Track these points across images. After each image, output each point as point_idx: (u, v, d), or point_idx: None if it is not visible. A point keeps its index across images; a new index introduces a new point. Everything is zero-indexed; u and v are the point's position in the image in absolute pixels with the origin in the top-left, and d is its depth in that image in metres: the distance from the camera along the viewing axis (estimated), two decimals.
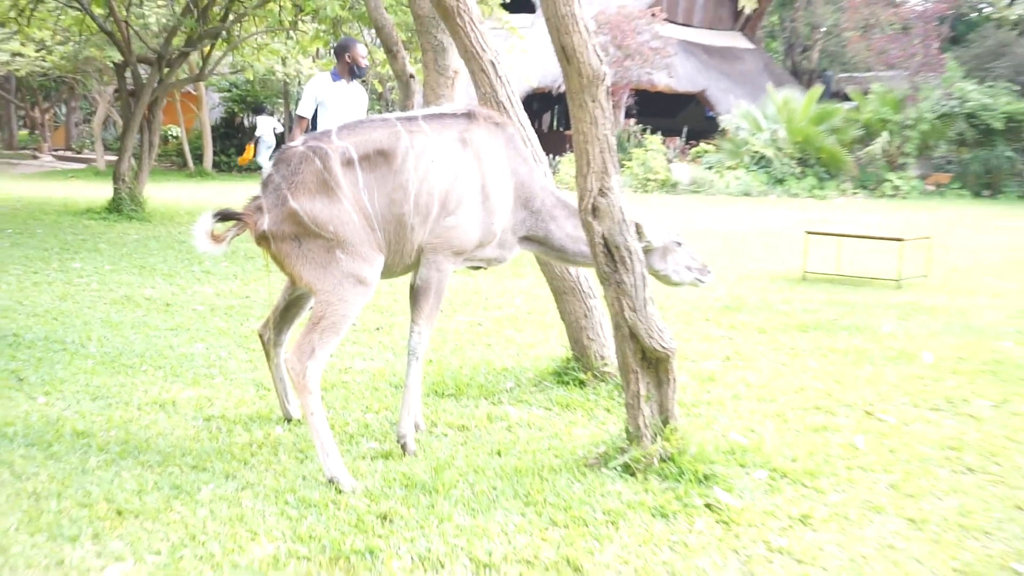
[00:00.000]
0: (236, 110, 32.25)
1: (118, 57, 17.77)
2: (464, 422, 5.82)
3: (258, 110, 31.43)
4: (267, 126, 29.80)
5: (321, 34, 17.59)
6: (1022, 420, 6.28)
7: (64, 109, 38.94)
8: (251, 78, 27.74)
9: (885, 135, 28.49)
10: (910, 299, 10.77)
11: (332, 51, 9.23)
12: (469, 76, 6.46)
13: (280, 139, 30.24)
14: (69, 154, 36.27)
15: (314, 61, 22.86)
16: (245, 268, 11.15)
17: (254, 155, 29.91)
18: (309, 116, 9.07)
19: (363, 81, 26.85)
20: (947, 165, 29.00)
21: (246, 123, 33.53)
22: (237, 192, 10.28)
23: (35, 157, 34.66)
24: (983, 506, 4.83)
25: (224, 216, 4.92)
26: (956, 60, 30.43)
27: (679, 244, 5.51)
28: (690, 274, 5.53)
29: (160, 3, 19.99)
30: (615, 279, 4.92)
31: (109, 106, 30.63)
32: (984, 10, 32.77)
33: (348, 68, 9.03)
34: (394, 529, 4.22)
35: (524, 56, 21.52)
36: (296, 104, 9.35)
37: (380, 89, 25.94)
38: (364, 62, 9.11)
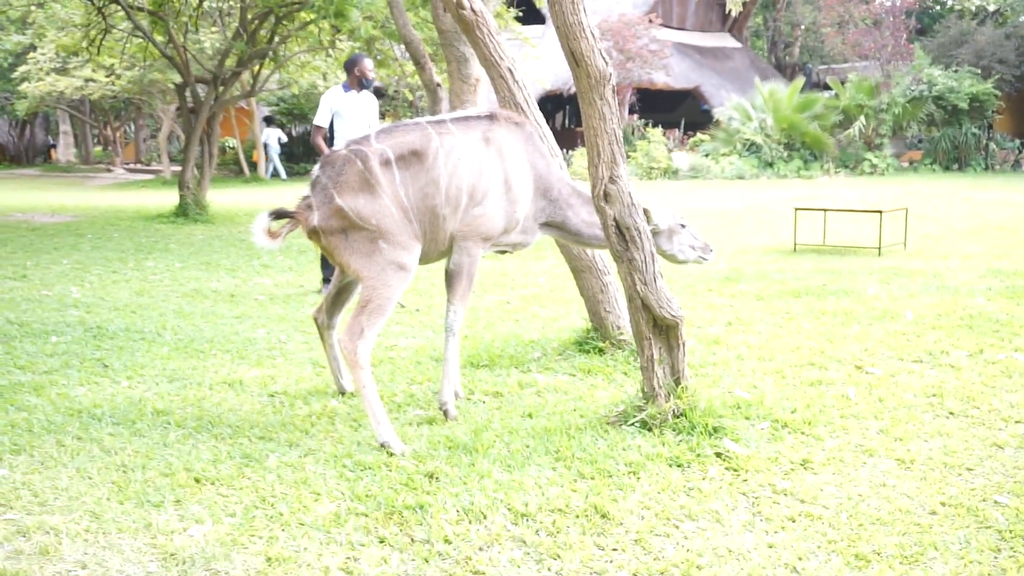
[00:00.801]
0: (284, 122, 32.30)
1: (178, 79, 17.86)
2: (498, 389, 5.82)
3: (268, 120, 31.69)
4: (273, 135, 30.10)
5: (356, 51, 17.56)
6: (997, 368, 6.27)
7: (133, 127, 39.22)
8: (296, 92, 27.78)
9: (862, 119, 28.48)
10: (890, 264, 10.76)
11: (343, 66, 9.24)
12: (489, 82, 6.45)
13: (284, 147, 30.55)
14: (139, 167, 36.54)
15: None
16: (299, 261, 11.20)
17: (267, 159, 30.27)
18: (326, 125, 9.10)
19: (381, 92, 26.97)
20: (919, 144, 28.94)
21: (294, 133, 33.67)
22: (288, 194, 10.29)
23: (109, 170, 34.89)
24: (964, 446, 4.82)
25: (278, 215, 4.96)
26: (923, 49, 30.40)
27: (683, 226, 5.51)
28: (694, 253, 5.53)
29: (213, 29, 20.06)
30: (627, 256, 4.92)
31: (172, 122, 30.81)
32: (947, 3, 32.57)
33: (357, 80, 9.04)
34: (440, 486, 4.22)
35: (537, 63, 21.49)
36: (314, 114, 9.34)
37: (411, 97, 25.94)
38: (371, 75, 9.11)
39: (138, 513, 3.97)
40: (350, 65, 9.19)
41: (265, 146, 30.80)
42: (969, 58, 30.46)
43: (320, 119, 9.11)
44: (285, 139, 31.20)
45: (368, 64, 9.15)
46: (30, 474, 4.41)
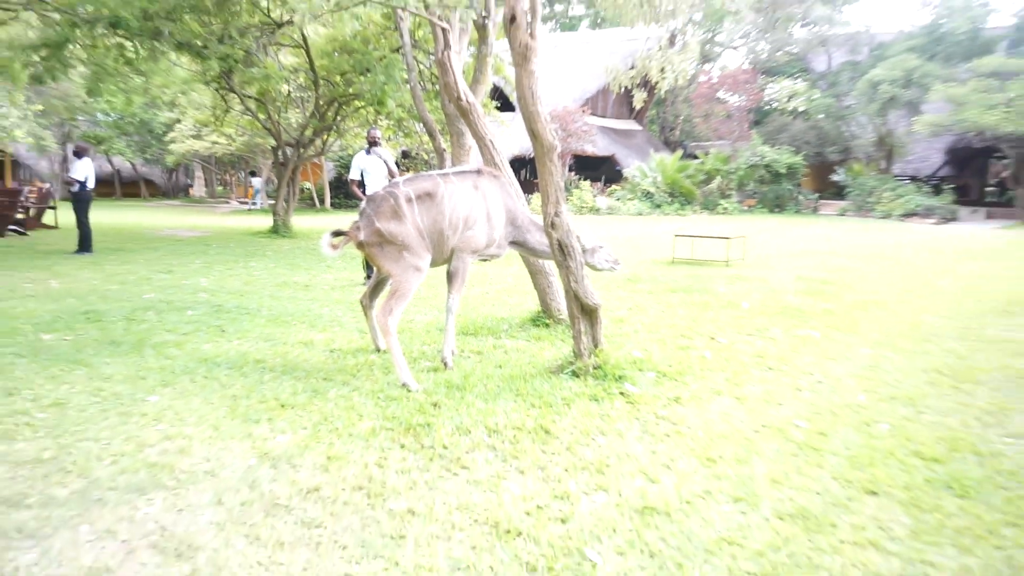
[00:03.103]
0: (342, 172, 32.02)
1: (273, 143, 17.73)
2: (479, 349, 5.81)
3: (253, 174, 31.82)
4: (258, 182, 30.16)
5: (391, 126, 17.51)
6: (799, 340, 6.32)
7: (243, 174, 38.71)
8: (351, 153, 27.59)
9: (718, 178, 28.57)
10: (734, 273, 10.80)
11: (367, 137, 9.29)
12: (478, 149, 6.42)
13: (265, 188, 30.38)
14: (246, 200, 36.11)
15: (388, 141, 22.74)
16: (350, 264, 11.14)
17: (251, 193, 30.32)
18: (357, 177, 9.11)
19: (406, 154, 26.77)
20: (754, 194, 29.14)
21: (348, 178, 33.42)
22: (344, 220, 10.14)
23: (227, 203, 34.47)
24: (778, 389, 4.87)
25: (337, 233, 4.95)
26: (758, 134, 30.60)
27: (601, 247, 5.50)
28: (608, 264, 5.52)
29: (296, 111, 19.86)
30: (566, 264, 4.94)
31: (269, 171, 30.54)
32: (773, 105, 32.86)
33: (369, 144, 9.07)
34: (441, 411, 4.22)
35: (509, 136, 21.44)
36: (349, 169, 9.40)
37: (426, 157, 25.80)
38: (377, 139, 9.12)
39: (244, 427, 3.97)
40: (368, 136, 9.24)
41: (256, 190, 30.86)
42: (787, 141, 30.71)
43: (352, 174, 9.14)
44: (265, 186, 30.96)
45: (375, 133, 9.17)
46: (174, 400, 4.39)
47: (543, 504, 3.15)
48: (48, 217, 17.03)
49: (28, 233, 15.25)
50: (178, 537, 2.84)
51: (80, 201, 11.79)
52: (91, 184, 11.90)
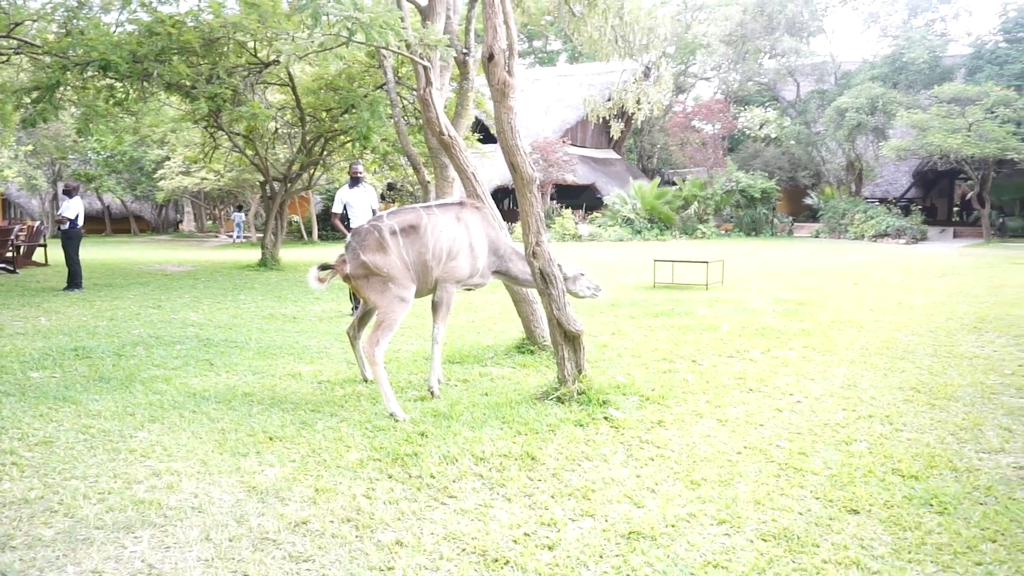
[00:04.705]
0: (329, 205, 32.03)
1: (261, 178, 17.75)
2: (465, 377, 5.78)
3: (239, 208, 32.07)
4: (240, 217, 30.31)
5: (376, 159, 17.57)
6: (778, 361, 6.33)
7: (230, 208, 38.63)
8: (338, 187, 27.62)
9: (695, 203, 28.83)
10: (713, 296, 10.84)
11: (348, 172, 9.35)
12: (460, 181, 6.43)
13: (253, 222, 30.51)
14: (230, 235, 36.00)
15: (373, 174, 22.77)
16: (338, 296, 11.08)
17: (234, 228, 31.19)
18: (340, 211, 9.12)
19: (392, 186, 26.84)
20: (731, 218, 29.44)
21: (336, 210, 33.44)
22: (332, 252, 10.06)
23: (216, 236, 34.33)
24: (758, 410, 4.85)
25: (324, 267, 4.94)
26: (732, 161, 31.03)
27: (582, 274, 5.49)
28: (590, 291, 5.51)
29: (284, 146, 19.92)
30: (548, 292, 4.92)
31: (257, 205, 30.53)
32: (747, 133, 33.37)
33: (352, 179, 9.11)
34: (428, 440, 4.17)
35: (491, 168, 21.55)
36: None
37: (411, 190, 25.85)
38: (360, 175, 9.16)
39: (232, 460, 3.90)
40: (350, 171, 9.25)
41: (238, 223, 30.92)
42: (760, 166, 31.21)
43: (336, 208, 9.16)
44: (245, 220, 31.13)
45: (357, 167, 9.20)
46: (162, 435, 4.31)
47: (530, 531, 3.10)
48: (38, 254, 16.86)
49: (18, 271, 15.08)
50: (166, 575, 2.77)
51: (70, 238, 11.70)
52: (80, 222, 11.83)
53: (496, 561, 2.86)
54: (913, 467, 3.79)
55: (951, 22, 30.02)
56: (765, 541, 3.02)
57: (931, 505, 3.35)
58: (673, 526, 3.14)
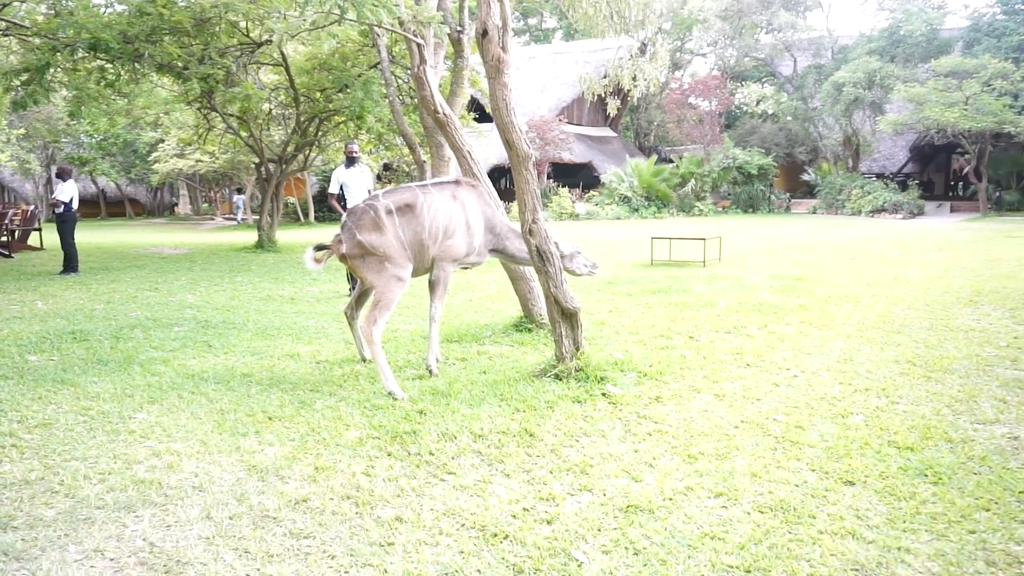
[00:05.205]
0: (325, 186, 31.92)
1: (256, 159, 17.62)
2: (464, 356, 5.78)
3: (239, 191, 31.80)
4: (240, 199, 30.18)
5: (372, 139, 17.47)
6: (775, 336, 6.35)
7: (227, 190, 38.42)
8: (334, 167, 27.49)
9: (693, 181, 28.76)
10: (711, 272, 10.85)
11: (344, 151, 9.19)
12: (456, 160, 6.40)
13: (249, 204, 30.42)
14: (230, 216, 35.88)
15: (369, 155, 22.63)
16: (334, 277, 11.07)
17: (232, 210, 30.50)
18: (336, 191, 8.99)
19: (388, 166, 26.75)
20: (728, 195, 29.39)
21: (332, 191, 33.26)
22: (328, 233, 9.98)
23: (212, 219, 34.20)
24: (756, 385, 4.87)
25: (320, 247, 4.94)
26: (729, 137, 30.93)
27: (579, 252, 5.49)
28: (587, 269, 5.51)
29: (278, 127, 19.79)
30: (545, 270, 4.92)
31: (253, 187, 30.38)
32: (744, 109, 33.22)
33: (348, 159, 8.96)
34: (427, 418, 4.18)
35: (487, 147, 21.44)
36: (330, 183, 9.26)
37: (407, 170, 25.76)
38: (356, 154, 9.03)
39: (231, 440, 3.91)
40: (346, 150, 9.13)
41: (237, 205, 30.77)
42: (757, 143, 31.14)
43: (332, 188, 9.02)
44: (246, 202, 30.97)
45: (352, 147, 9.07)
46: (162, 416, 4.32)
47: (529, 506, 3.12)
48: (33, 239, 16.80)
49: (13, 255, 15.02)
50: (167, 553, 2.78)
51: (65, 222, 11.64)
52: (75, 205, 11.77)
53: (495, 536, 2.88)
54: (909, 439, 3.82)
55: None
56: (762, 513, 3.04)
57: (926, 476, 3.37)
58: (671, 499, 3.16)
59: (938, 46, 26.46)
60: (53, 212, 12.02)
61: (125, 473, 3.49)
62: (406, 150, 16.92)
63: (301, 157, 18.27)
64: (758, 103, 32.04)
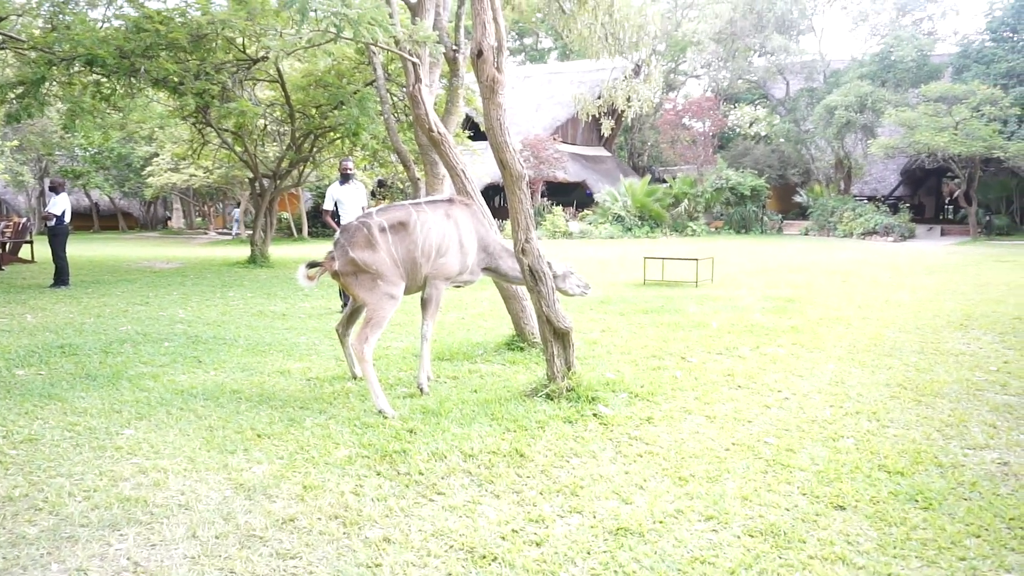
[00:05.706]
0: (319, 202, 31.96)
1: (250, 174, 17.64)
2: (455, 374, 5.76)
3: (238, 205, 31.85)
4: (236, 214, 30.25)
5: (366, 156, 17.52)
6: (766, 358, 6.34)
7: (221, 205, 38.33)
8: (328, 183, 27.52)
9: (686, 201, 28.94)
10: (703, 293, 10.86)
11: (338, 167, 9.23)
12: (451, 178, 6.41)
13: (243, 219, 30.42)
14: (224, 231, 35.83)
15: (364, 171, 22.70)
16: (327, 293, 11.04)
17: (225, 224, 30.53)
18: (331, 208, 9.02)
19: (382, 183, 26.80)
20: (721, 216, 29.55)
21: (326, 207, 33.32)
22: (322, 249, 9.93)
23: (205, 233, 34.13)
24: (747, 406, 4.86)
25: (313, 264, 4.93)
26: (722, 158, 31.13)
27: (572, 272, 5.50)
28: (579, 289, 5.52)
29: (273, 143, 19.84)
30: (537, 289, 4.92)
31: (247, 202, 30.39)
32: (737, 130, 33.51)
33: (343, 176, 9.00)
34: (417, 437, 4.16)
35: (481, 165, 21.52)
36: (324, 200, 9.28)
37: (401, 187, 25.80)
38: (350, 171, 9.05)
39: (219, 457, 3.88)
40: (340, 167, 9.17)
41: (235, 219, 30.84)
42: (750, 164, 31.35)
43: (327, 205, 9.05)
44: (240, 217, 30.96)
45: (347, 164, 9.09)
46: (149, 432, 4.29)
47: (518, 528, 3.10)
48: (24, 251, 16.72)
49: (3, 268, 14.94)
50: (151, 572, 2.75)
51: (56, 235, 11.60)
52: (67, 218, 11.74)
53: (484, 558, 2.85)
54: (899, 463, 3.82)
55: (939, 21, 30.40)
56: (752, 537, 3.03)
57: (916, 501, 3.37)
58: (661, 522, 3.15)
59: (928, 72, 26.80)
60: (45, 225, 11.98)
61: (111, 490, 3.45)
62: (401, 167, 16.99)
63: (295, 173, 18.31)
64: (751, 125, 32.36)
